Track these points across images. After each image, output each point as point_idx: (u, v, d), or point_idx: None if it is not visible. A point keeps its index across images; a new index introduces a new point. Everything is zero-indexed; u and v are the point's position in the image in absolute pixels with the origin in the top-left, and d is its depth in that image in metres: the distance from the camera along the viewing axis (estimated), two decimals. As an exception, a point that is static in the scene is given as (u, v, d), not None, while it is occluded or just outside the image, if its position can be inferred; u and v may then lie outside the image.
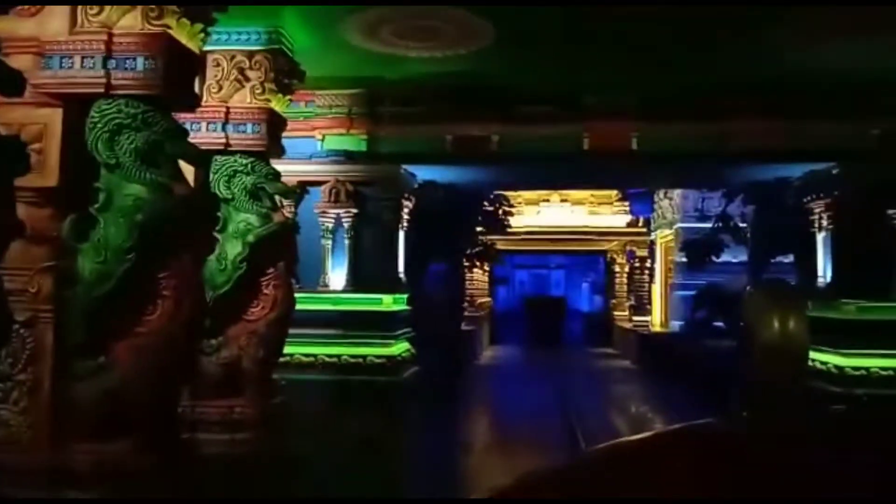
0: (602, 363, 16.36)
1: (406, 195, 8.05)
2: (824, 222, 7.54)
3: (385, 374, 7.16)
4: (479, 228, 13.40)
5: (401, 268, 8.00)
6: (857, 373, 6.86)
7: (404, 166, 7.78)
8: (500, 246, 17.61)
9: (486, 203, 13.69)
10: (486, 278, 21.47)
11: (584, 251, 22.27)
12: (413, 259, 8.43)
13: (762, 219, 9.53)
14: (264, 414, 5.25)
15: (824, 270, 7.62)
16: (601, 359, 17.18)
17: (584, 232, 20.95)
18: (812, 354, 7.44)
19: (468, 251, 12.45)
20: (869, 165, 6.94)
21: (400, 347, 7.57)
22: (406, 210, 8.10)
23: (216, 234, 5.17)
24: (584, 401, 10.80)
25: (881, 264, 6.53)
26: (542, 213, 20.82)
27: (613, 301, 20.89)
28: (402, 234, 8.05)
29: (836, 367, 6.98)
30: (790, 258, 9.13)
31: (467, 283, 16.62)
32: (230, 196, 5.31)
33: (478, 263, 15.52)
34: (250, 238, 5.26)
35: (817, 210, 7.64)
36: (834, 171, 7.23)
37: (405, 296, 7.83)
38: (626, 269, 20.77)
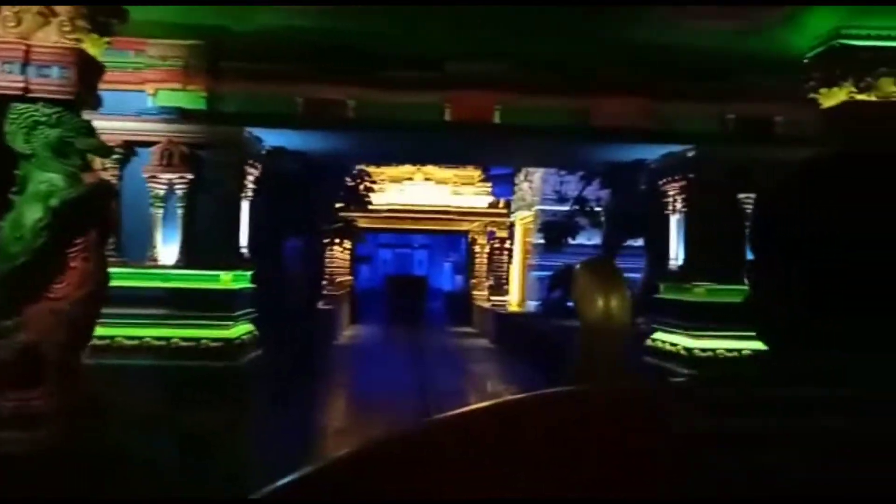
0: (461, 342, 16.44)
1: (251, 161, 7.30)
2: (678, 205, 7.59)
3: (222, 358, 6.46)
4: (339, 204, 12.88)
5: (244, 242, 7.27)
6: (705, 354, 6.94)
7: (249, 129, 7.04)
8: (362, 224, 17.17)
9: (347, 178, 13.22)
10: (348, 256, 20.94)
11: (447, 231, 22.30)
12: (261, 233, 7.74)
13: (617, 202, 9.59)
14: (68, 407, 4.53)
15: (676, 253, 7.69)
16: (461, 338, 17.27)
17: (447, 212, 20.94)
18: (662, 336, 7.52)
19: (327, 227, 11.87)
20: (724, 149, 7.01)
21: (240, 330, 6.90)
22: (251, 178, 7.36)
23: (12, 196, 4.45)
24: (442, 380, 10.66)
25: (732, 247, 6.60)
26: (405, 191, 20.56)
27: (474, 281, 21.04)
28: (245, 205, 7.31)
29: (686, 348, 7.05)
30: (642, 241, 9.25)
31: (328, 260, 16.10)
32: (30, 152, 4.51)
33: (338, 241, 14.97)
34: (53, 202, 4.46)
35: (672, 192, 7.67)
36: (690, 154, 7.25)
37: (249, 273, 7.15)
38: (487, 249, 20.93)
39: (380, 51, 6.75)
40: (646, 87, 6.94)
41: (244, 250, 7.23)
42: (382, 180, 19.06)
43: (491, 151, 9.44)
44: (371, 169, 15.99)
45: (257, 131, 7.19)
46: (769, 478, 0.63)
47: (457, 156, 12.61)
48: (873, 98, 5.58)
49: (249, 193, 7.36)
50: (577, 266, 5.74)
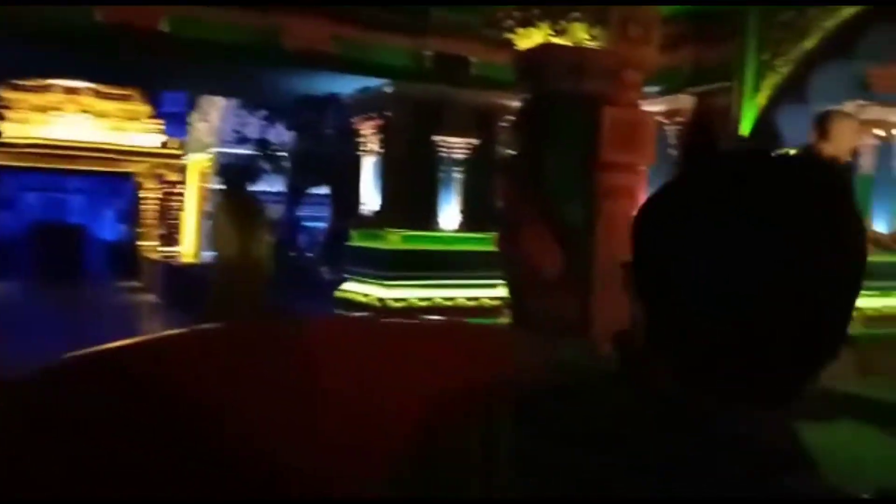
0: (124, 299, 14.57)
1: None
2: (372, 146, 7.07)
3: None
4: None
5: None
6: (398, 304, 6.59)
7: None
8: (-6, 160, 14.20)
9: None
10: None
11: (109, 173, 19.58)
12: None
13: (304, 143, 8.85)
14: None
15: (370, 198, 7.20)
16: (124, 294, 15.35)
17: (108, 150, 18.31)
18: (353, 287, 7.03)
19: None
20: (421, 86, 6.59)
21: None
22: None
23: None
24: (97, 345, 9.09)
25: (427, 192, 6.27)
26: (53, 124, 17.50)
27: (141, 230, 18.84)
28: None
29: (379, 299, 6.62)
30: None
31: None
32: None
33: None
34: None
35: (365, 132, 7.13)
36: (387, 90, 6.73)
37: None
38: (157, 195, 18.81)
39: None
40: (339, 10, 6.20)
41: None
42: (22, 109, 15.96)
43: (158, 69, 7.93)
44: (7, 94, 13.14)
45: None
46: None
47: (116, 73, 10.62)
48: (569, 43, 5.53)
49: None
50: (216, 203, 5.17)
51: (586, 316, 4.84)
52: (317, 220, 11.96)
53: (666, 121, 6.65)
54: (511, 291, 5.01)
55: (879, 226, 6.21)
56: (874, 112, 6.38)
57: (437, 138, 6.63)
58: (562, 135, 5.14)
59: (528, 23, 5.61)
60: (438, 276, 6.46)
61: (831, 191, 0.64)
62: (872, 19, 4.81)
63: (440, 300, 6.47)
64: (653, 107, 6.56)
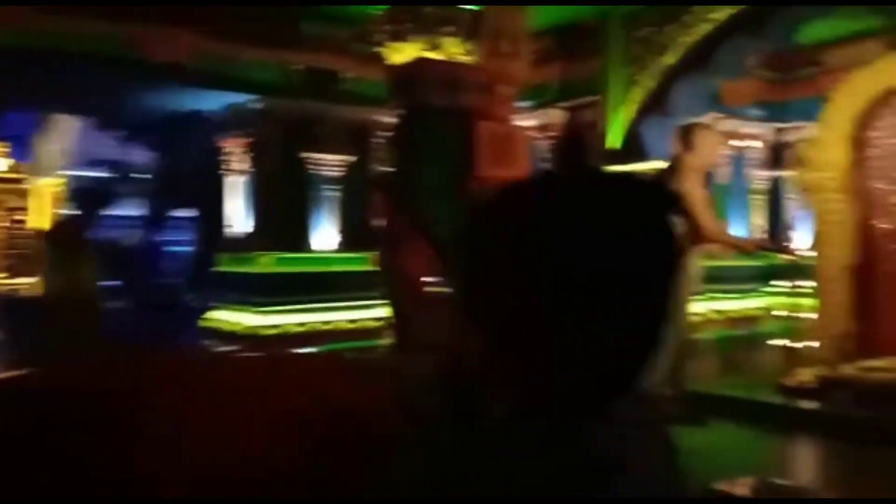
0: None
1: None
2: (241, 165, 6.74)
3: None
4: None
5: None
6: (271, 332, 6.26)
7: None
8: None
9: None
10: None
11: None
12: None
13: (167, 164, 8.36)
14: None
15: (238, 220, 6.85)
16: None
17: (-59, 176, 16.68)
18: (220, 315, 6.64)
19: None
20: (290, 102, 6.34)
21: None
22: None
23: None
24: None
25: (301, 212, 6.02)
26: None
27: (-16, 262, 17.26)
28: None
29: (250, 326, 6.26)
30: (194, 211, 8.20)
31: None
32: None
33: None
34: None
35: (233, 151, 6.79)
36: (254, 106, 6.44)
37: None
38: (3, 223, 17.29)
39: None
40: (203, 22, 5.87)
41: None
42: None
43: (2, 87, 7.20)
44: None
45: None
46: None
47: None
48: (442, 57, 5.49)
49: None
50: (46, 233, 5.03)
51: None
52: (181, 244, 11.33)
53: (538, 135, 6.76)
54: (393, 309, 4.87)
55: (737, 231, 6.56)
56: (727, 124, 6.77)
57: (308, 156, 6.41)
58: (436, 150, 5.08)
59: (400, 37, 5.53)
60: (315, 300, 6.19)
61: (643, 204, 0.73)
62: (725, 35, 5.08)
63: (318, 324, 6.21)
64: (525, 121, 6.65)
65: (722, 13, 5.05)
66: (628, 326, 0.70)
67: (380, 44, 5.62)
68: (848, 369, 5.28)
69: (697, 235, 4.85)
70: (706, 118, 5.63)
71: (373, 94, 6.02)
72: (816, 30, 5.95)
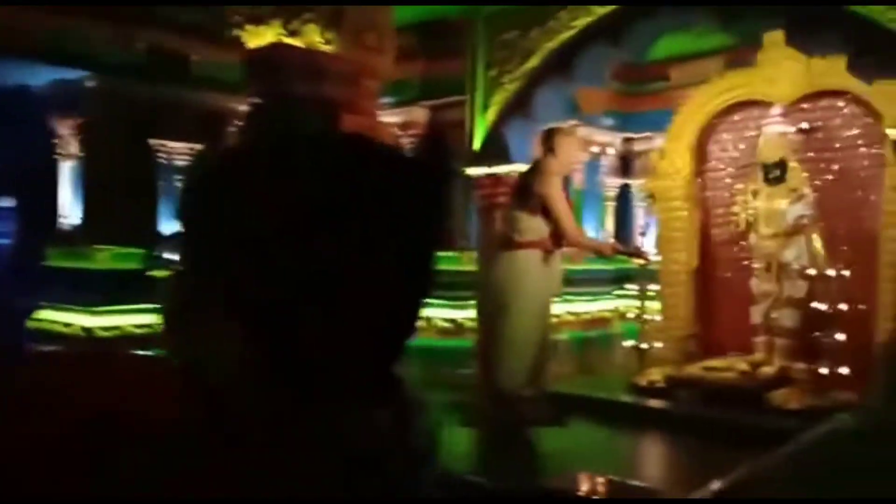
0: None
1: None
2: (73, 149, 6.10)
3: None
4: None
5: None
6: (109, 333, 5.70)
7: None
8: None
9: None
10: None
11: None
12: None
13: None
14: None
15: (70, 210, 6.20)
16: None
17: None
18: (51, 315, 5.97)
19: None
20: (133, 83, 5.79)
21: None
22: None
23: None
24: None
25: (145, 204, 5.52)
26: None
27: None
28: None
29: (85, 328, 5.67)
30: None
31: None
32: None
33: None
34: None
35: (64, 133, 6.13)
36: (88, 84, 5.81)
37: None
38: None
39: None
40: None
41: None
42: None
43: None
44: None
45: None
46: None
47: None
48: (301, 44, 5.23)
49: None
50: None
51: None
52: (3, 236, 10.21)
53: (401, 133, 6.64)
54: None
55: (591, 234, 6.76)
56: (582, 131, 6.97)
57: (154, 142, 5.90)
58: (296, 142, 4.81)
59: (258, 20, 5.21)
60: (157, 299, 5.70)
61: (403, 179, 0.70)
62: (586, 43, 5.18)
63: (159, 326, 5.72)
64: (387, 118, 6.50)
65: (583, 20, 5.15)
66: (382, 308, 0.67)
67: (237, 26, 5.27)
68: (692, 369, 5.56)
69: (559, 238, 4.91)
70: (566, 124, 5.73)
71: (228, 79, 5.63)
72: (665, 46, 6.24)
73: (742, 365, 5.41)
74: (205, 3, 5.66)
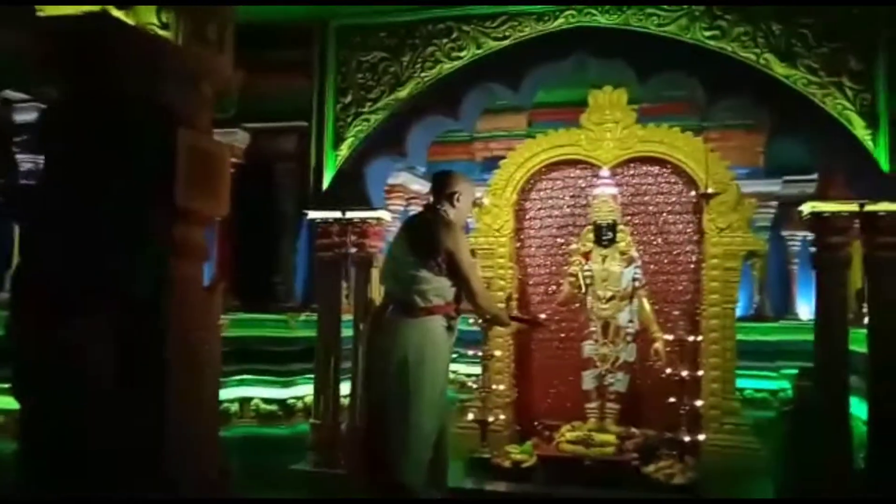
0: None
1: None
2: None
3: None
4: None
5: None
6: None
7: None
8: None
9: None
10: None
11: None
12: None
13: None
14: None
15: None
16: None
17: None
18: None
19: None
20: None
21: None
22: None
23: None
24: None
25: None
26: None
27: None
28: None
29: None
30: None
31: None
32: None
33: None
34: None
35: None
36: None
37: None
38: None
39: None
40: None
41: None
42: None
43: None
44: None
45: None
46: None
47: None
48: (130, 21, 3.65)
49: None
50: None
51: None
52: None
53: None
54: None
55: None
56: (402, 178, 6.26)
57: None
58: (122, 160, 3.24)
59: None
60: None
61: None
62: (474, 80, 4.57)
63: None
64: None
65: (470, 52, 4.54)
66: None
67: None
68: (563, 444, 5.16)
69: (460, 302, 4.15)
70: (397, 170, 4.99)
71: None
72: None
73: (605, 435, 5.18)
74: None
